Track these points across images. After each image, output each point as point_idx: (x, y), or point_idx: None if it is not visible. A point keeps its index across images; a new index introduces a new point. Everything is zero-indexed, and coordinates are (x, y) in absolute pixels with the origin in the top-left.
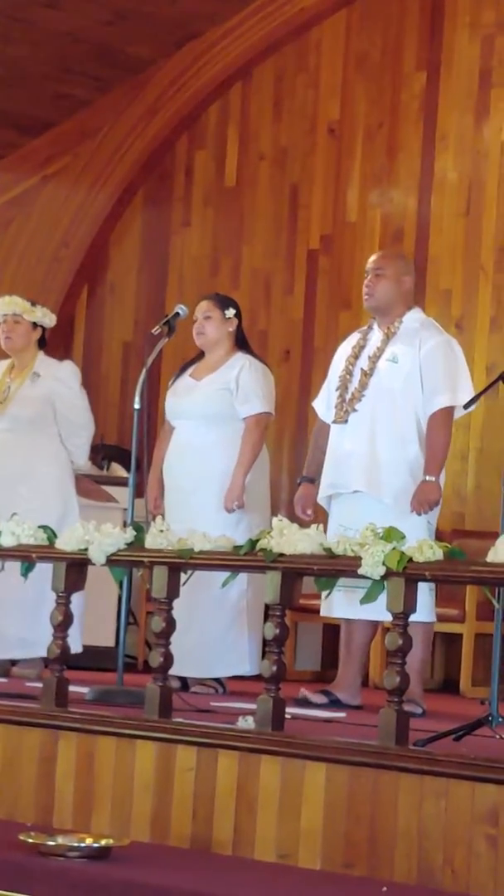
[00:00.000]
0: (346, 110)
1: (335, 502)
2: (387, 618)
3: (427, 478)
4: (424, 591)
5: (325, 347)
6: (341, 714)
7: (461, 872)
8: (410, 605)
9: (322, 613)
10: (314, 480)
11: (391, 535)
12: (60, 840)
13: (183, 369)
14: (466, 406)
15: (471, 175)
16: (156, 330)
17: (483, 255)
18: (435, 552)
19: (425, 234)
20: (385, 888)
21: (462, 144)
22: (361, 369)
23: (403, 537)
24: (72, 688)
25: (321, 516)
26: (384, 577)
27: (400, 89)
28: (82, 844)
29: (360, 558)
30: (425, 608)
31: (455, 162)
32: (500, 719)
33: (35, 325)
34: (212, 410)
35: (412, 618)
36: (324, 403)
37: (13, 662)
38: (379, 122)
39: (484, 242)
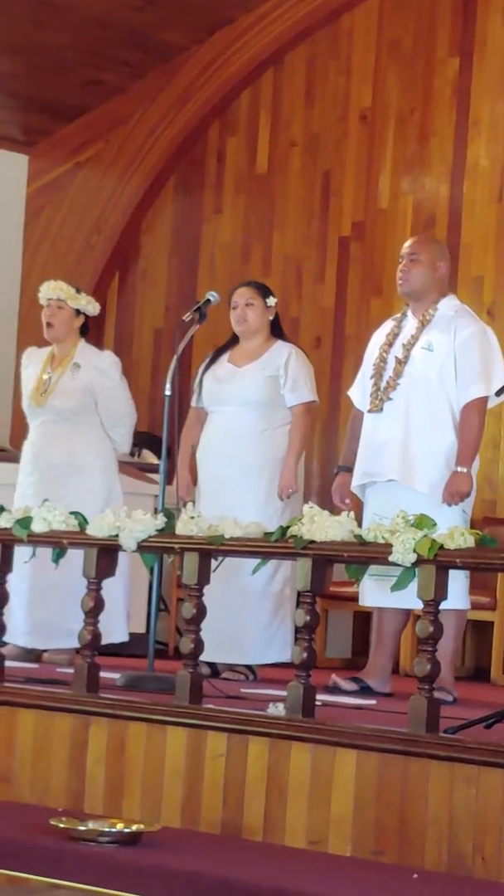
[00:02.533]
0: (378, 97)
1: (370, 491)
2: (418, 605)
3: (459, 469)
4: (459, 579)
5: (357, 335)
6: (372, 701)
7: (492, 860)
8: (441, 592)
9: (361, 603)
10: (351, 469)
11: (422, 522)
12: (91, 825)
13: (217, 355)
14: (498, 394)
15: (503, 161)
16: (187, 317)
17: None
18: (466, 539)
19: (457, 221)
20: (416, 875)
21: (495, 130)
22: (396, 357)
23: (435, 525)
24: (103, 674)
25: (356, 505)
26: (415, 565)
27: (432, 75)
28: (113, 830)
29: (390, 546)
30: (460, 596)
31: (488, 148)
32: None
33: (78, 312)
34: (258, 397)
35: (445, 605)
36: (359, 392)
37: (45, 649)
38: (411, 109)
39: None
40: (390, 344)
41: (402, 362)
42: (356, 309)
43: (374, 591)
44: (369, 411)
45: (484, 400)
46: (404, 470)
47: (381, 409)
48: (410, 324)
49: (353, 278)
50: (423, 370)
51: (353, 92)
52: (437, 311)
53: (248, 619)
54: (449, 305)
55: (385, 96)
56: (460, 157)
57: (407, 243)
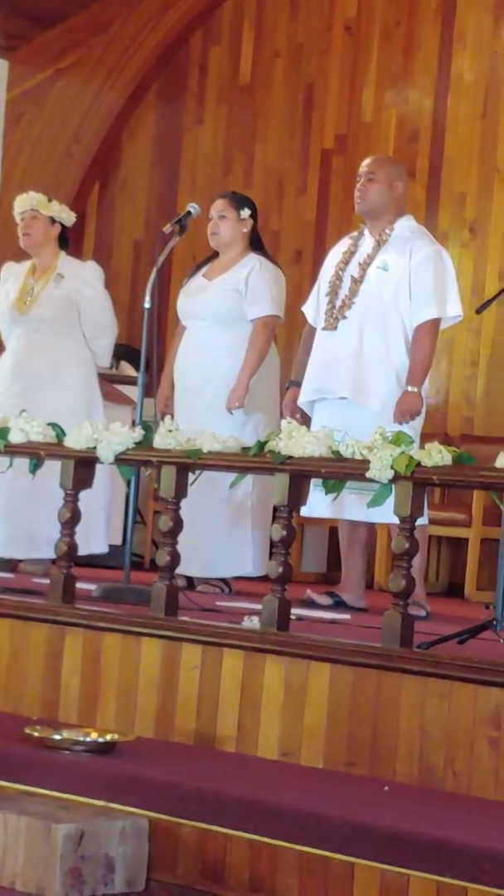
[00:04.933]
0: (363, 8)
1: (319, 407)
2: (392, 520)
3: (409, 388)
4: None
5: None
6: (346, 616)
7: (462, 774)
8: (418, 509)
9: (324, 515)
10: (301, 384)
11: (400, 439)
12: (66, 734)
13: (197, 269)
14: (478, 311)
15: (488, 76)
16: (167, 229)
17: (499, 157)
18: (444, 457)
19: (441, 136)
20: (386, 787)
21: (480, 45)
22: (352, 276)
23: (412, 441)
24: (79, 585)
25: (304, 421)
26: (392, 481)
27: None
28: (87, 739)
29: (368, 462)
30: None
31: (472, 63)
32: None
33: (53, 221)
34: (221, 311)
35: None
36: (313, 309)
37: (21, 559)
38: (396, 21)
39: (500, 145)
40: (346, 262)
41: (357, 281)
42: (338, 223)
43: (352, 504)
44: (323, 329)
45: (436, 321)
46: (356, 388)
47: (336, 328)
48: (367, 243)
49: (335, 192)
50: (378, 289)
51: (339, 2)
52: (394, 230)
53: (209, 531)
54: (405, 226)
55: (370, 7)
56: (445, 72)
57: (364, 162)
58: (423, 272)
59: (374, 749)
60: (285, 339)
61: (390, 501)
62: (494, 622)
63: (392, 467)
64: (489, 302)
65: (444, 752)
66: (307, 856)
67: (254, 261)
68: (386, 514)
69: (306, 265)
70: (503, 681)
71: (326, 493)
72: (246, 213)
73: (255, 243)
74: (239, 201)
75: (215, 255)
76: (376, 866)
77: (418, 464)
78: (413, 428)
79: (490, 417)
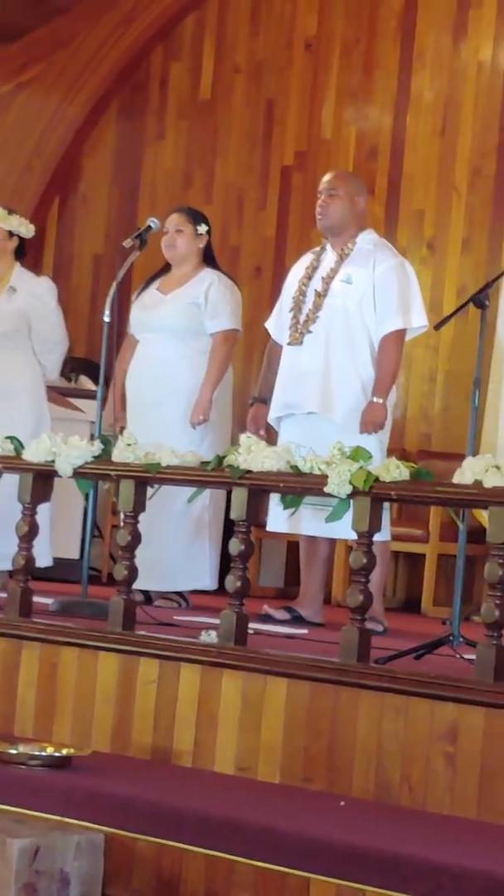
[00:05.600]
0: (324, 25)
1: (286, 423)
2: (350, 536)
3: (375, 399)
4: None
5: None
6: (303, 630)
7: (418, 789)
8: (376, 524)
9: (284, 530)
10: (266, 401)
11: (358, 454)
12: (22, 748)
13: (149, 282)
14: (437, 327)
15: (447, 94)
16: (127, 243)
17: (457, 175)
18: (401, 472)
19: (400, 153)
20: (342, 803)
21: (439, 63)
22: (315, 290)
23: (370, 457)
24: (36, 599)
25: (271, 437)
26: (350, 496)
27: (378, 5)
28: (43, 753)
29: (326, 477)
30: (384, 527)
31: (432, 81)
32: (461, 639)
33: (11, 234)
34: (179, 325)
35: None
36: (276, 325)
37: None
38: (356, 38)
39: (458, 163)
40: (309, 277)
41: (321, 295)
42: (297, 239)
43: (310, 520)
44: (289, 344)
45: (402, 333)
46: (323, 401)
47: (301, 342)
48: (329, 257)
49: (294, 208)
50: (342, 303)
51: (299, 19)
52: (356, 244)
53: (167, 545)
54: (367, 239)
55: (330, 25)
56: (404, 89)
57: (325, 178)
58: (387, 284)
59: (330, 764)
60: (244, 354)
61: (349, 516)
62: (451, 638)
63: (350, 482)
64: (447, 318)
65: (400, 767)
66: (263, 871)
67: (212, 275)
68: (345, 529)
69: (266, 280)
70: (459, 696)
71: (285, 508)
72: (203, 228)
73: (209, 259)
74: (195, 216)
75: (167, 268)
76: (332, 881)
77: (376, 479)
78: (379, 440)
79: (447, 433)
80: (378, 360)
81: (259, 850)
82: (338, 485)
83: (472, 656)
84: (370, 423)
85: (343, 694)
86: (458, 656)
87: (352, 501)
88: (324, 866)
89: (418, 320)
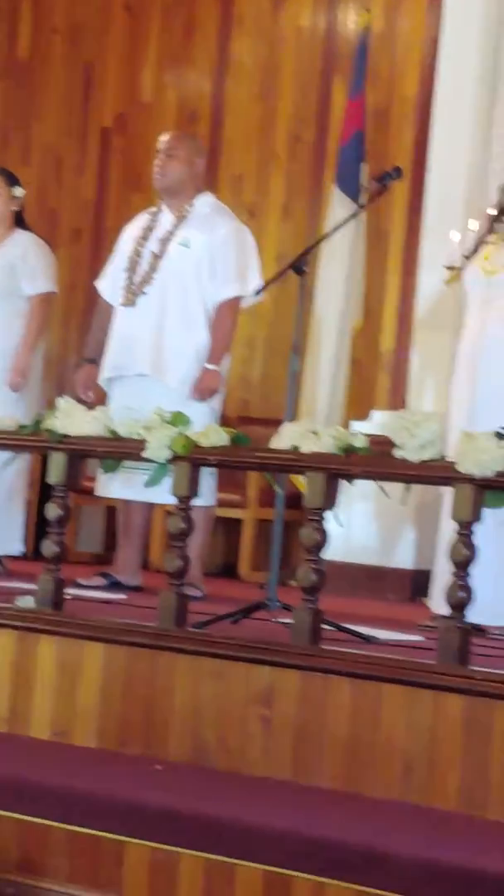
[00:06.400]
0: None
1: (117, 384)
2: (169, 500)
3: (208, 366)
4: (207, 476)
5: (117, 228)
6: (121, 595)
7: (235, 752)
8: (194, 489)
9: (99, 494)
10: (96, 361)
11: (178, 419)
12: None
13: None
14: (257, 293)
15: (266, 60)
16: None
17: (277, 142)
18: (220, 437)
19: (220, 118)
20: (159, 766)
21: (259, 28)
22: (151, 252)
23: (189, 422)
24: None
25: (100, 398)
26: (169, 461)
27: None
28: None
29: (145, 442)
30: (209, 493)
31: (252, 46)
32: (278, 603)
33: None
34: None
35: (193, 502)
36: (108, 284)
37: None
38: (176, 1)
39: (278, 129)
40: (145, 238)
41: (158, 257)
42: (117, 202)
43: (123, 485)
44: (122, 304)
45: (238, 300)
46: (155, 364)
47: (135, 304)
48: (166, 218)
49: (114, 171)
50: (179, 266)
51: None
52: (194, 207)
53: None
54: (205, 202)
55: None
56: (224, 54)
57: (163, 138)
58: (225, 250)
59: (147, 728)
60: (62, 316)
61: (168, 481)
62: (268, 602)
63: (170, 447)
64: (267, 284)
65: (217, 730)
66: (77, 835)
67: (27, 237)
68: (163, 494)
69: (85, 243)
70: (274, 660)
71: (104, 473)
72: (19, 191)
73: (21, 221)
74: (10, 178)
75: None
76: (146, 844)
77: (195, 444)
78: (212, 407)
79: (266, 400)
80: (213, 326)
81: (73, 815)
82: (157, 450)
83: (289, 620)
84: (204, 389)
85: (160, 658)
86: (273, 620)
87: (171, 466)
88: (138, 829)
89: (254, 288)
